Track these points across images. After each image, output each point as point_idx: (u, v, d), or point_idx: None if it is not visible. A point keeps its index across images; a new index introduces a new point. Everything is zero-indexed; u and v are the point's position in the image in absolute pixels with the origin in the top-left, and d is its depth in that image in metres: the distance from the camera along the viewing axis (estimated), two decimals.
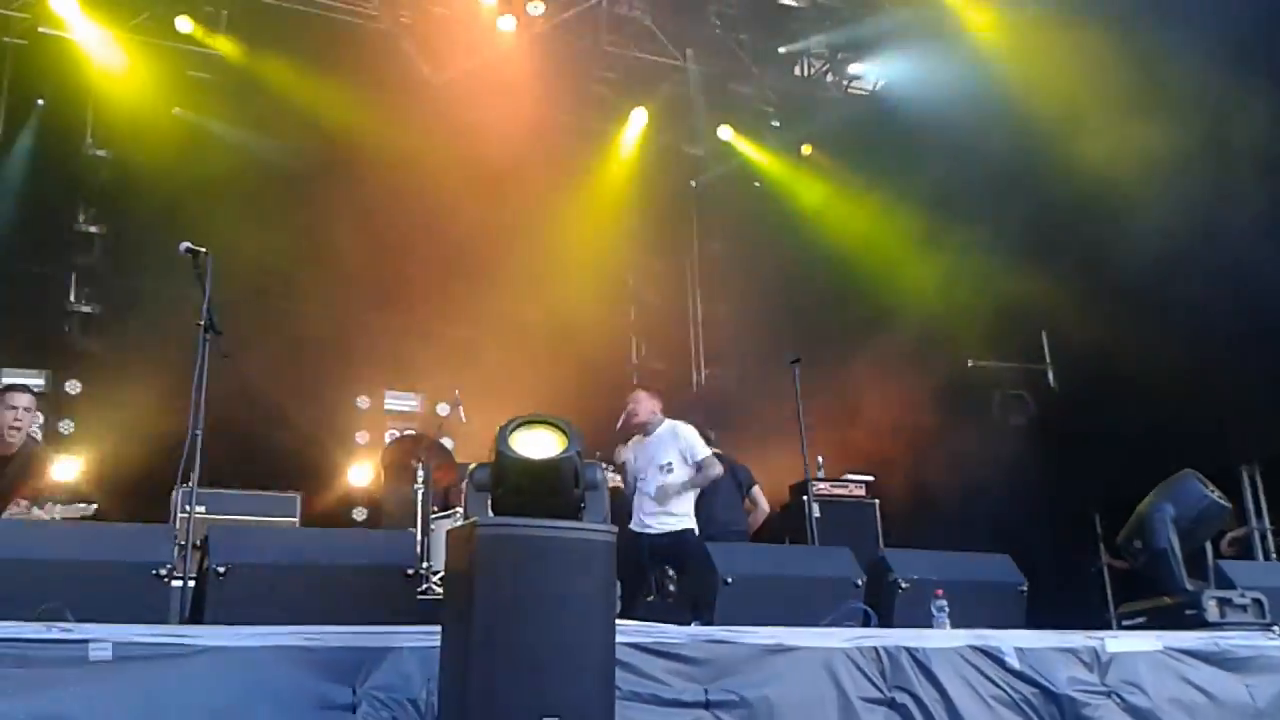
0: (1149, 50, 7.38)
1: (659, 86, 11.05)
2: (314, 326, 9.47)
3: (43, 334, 9.30)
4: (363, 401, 10.29)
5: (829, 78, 11.22)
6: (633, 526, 6.96)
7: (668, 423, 7.04)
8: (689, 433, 6.96)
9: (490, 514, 3.58)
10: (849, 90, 11.19)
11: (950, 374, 8.57)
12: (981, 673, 4.52)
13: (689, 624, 4.88)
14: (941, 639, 4.65)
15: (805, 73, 11.27)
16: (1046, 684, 4.59)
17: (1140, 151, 7.38)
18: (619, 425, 7.10)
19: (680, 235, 12.63)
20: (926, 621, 5.14)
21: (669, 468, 6.88)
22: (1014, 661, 4.62)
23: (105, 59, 9.43)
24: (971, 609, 5.25)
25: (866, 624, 5.05)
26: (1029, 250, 8.40)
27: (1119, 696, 4.66)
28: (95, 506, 5.91)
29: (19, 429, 5.79)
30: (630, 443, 7.23)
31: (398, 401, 10.54)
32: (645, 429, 7.05)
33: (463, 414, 9.69)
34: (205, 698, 3.26)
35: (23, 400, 5.86)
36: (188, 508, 4.90)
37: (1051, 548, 7.63)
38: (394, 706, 3.50)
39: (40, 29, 9.29)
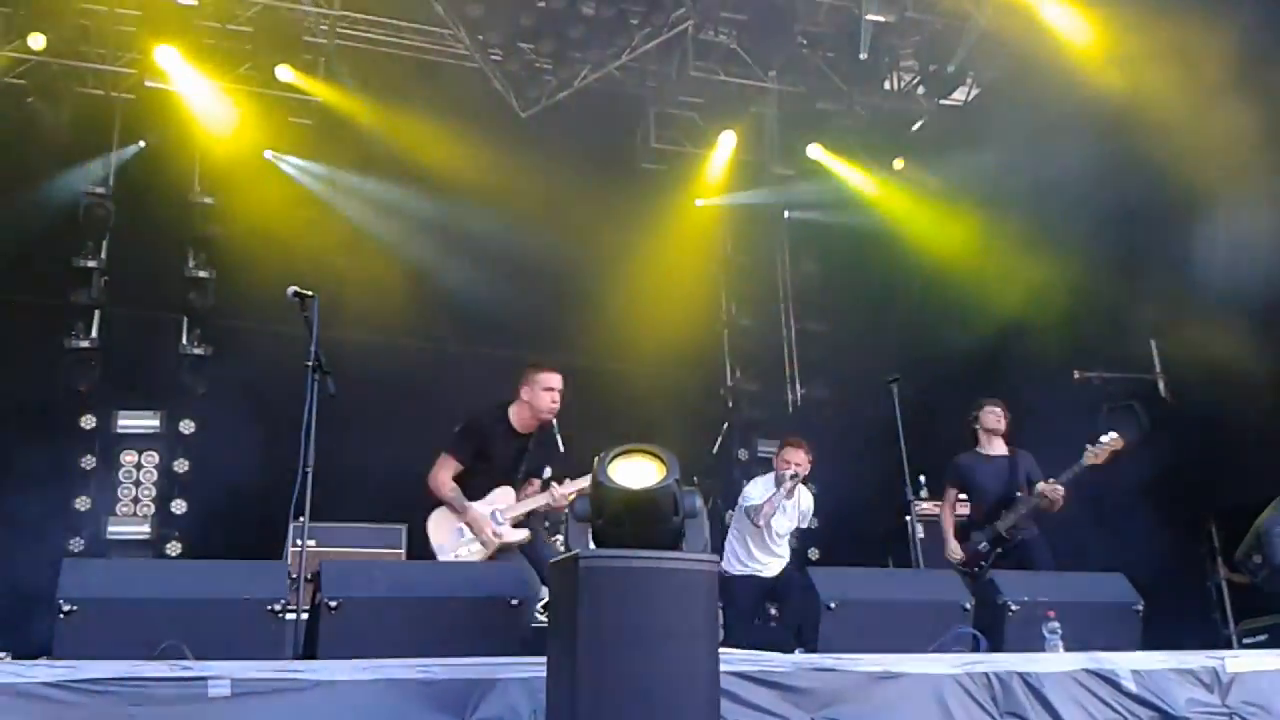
0: (1249, 41, 7.18)
1: (747, 109, 11.06)
2: (415, 359, 9.66)
3: (157, 376, 9.65)
4: None
5: (920, 90, 11.09)
6: (743, 568, 7.33)
7: None
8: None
9: (591, 545, 3.61)
10: (940, 103, 11.05)
11: (1056, 386, 8.36)
12: (1097, 697, 4.41)
13: (793, 651, 4.85)
14: (1054, 663, 4.55)
15: (895, 86, 11.16)
16: (1165, 707, 4.46)
17: (1242, 147, 7.16)
18: (780, 474, 7.33)
19: (772, 256, 12.59)
20: (1038, 645, 5.03)
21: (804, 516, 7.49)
22: (1130, 684, 4.49)
23: (209, 109, 9.77)
24: (1085, 630, 5.13)
25: (976, 649, 4.95)
26: (1131, 257, 8.19)
27: (1241, 718, 4.50)
28: None
29: (556, 409, 6.15)
30: (763, 483, 7.58)
31: None
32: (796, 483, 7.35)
33: (560, 443, 9.78)
34: None
35: (558, 381, 6.19)
36: (299, 542, 5.04)
37: (1167, 564, 7.38)
38: None
39: (147, 83, 9.67)
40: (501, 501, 6.11)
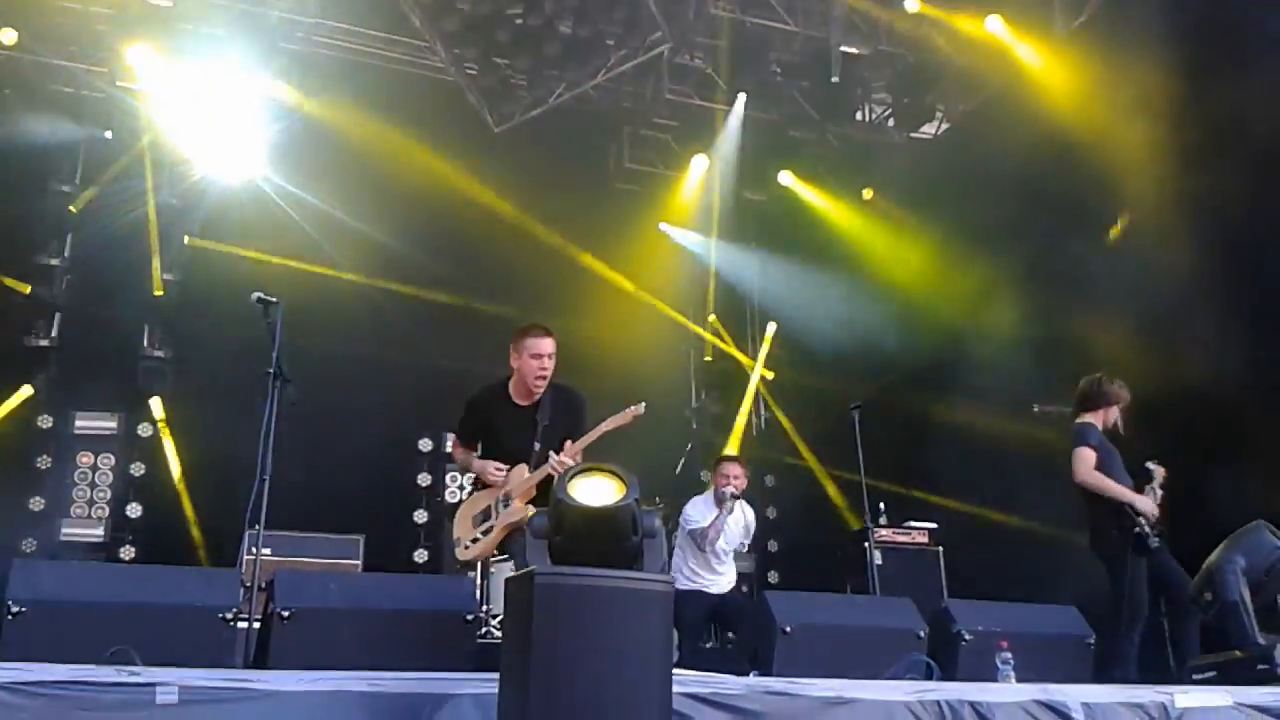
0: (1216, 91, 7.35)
1: (720, 133, 11.14)
2: (378, 370, 9.61)
3: (116, 378, 9.54)
4: (425, 444, 10.39)
5: (890, 123, 11.23)
6: (689, 584, 7.28)
7: None
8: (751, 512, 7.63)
9: (548, 561, 3.61)
10: (910, 135, 11.18)
11: (1015, 419, 8.45)
12: None
13: (747, 674, 4.85)
14: (1006, 693, 4.56)
15: (867, 118, 11.28)
16: None
17: (1209, 191, 7.32)
18: (721, 492, 7.26)
19: (742, 278, 12.66)
20: (990, 675, 5.06)
21: (746, 531, 7.51)
22: (1080, 717, 4.50)
23: (180, 110, 9.70)
24: (1037, 662, 5.17)
25: (929, 677, 4.98)
26: (1095, 293, 8.29)
27: None
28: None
29: (545, 377, 5.53)
30: (703, 503, 7.53)
31: None
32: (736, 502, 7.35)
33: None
34: None
35: (548, 346, 5.58)
36: (254, 550, 5.00)
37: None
38: None
39: (119, 82, 9.61)
40: (513, 482, 5.47)
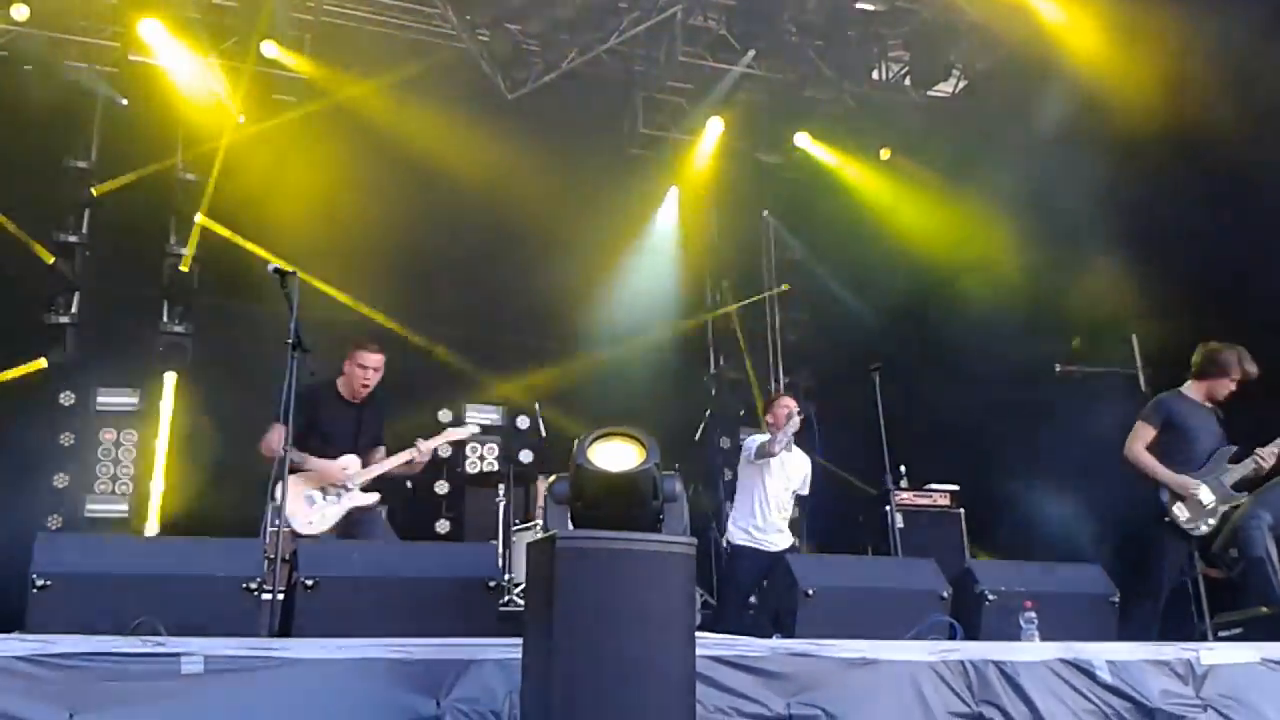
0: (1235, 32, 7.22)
1: (735, 95, 11.03)
2: (396, 341, 9.60)
3: (136, 354, 9.57)
4: (444, 415, 10.40)
5: (907, 81, 11.09)
6: (747, 539, 7.12)
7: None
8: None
9: (570, 526, 3.61)
10: (928, 94, 11.05)
11: (1037, 379, 8.39)
12: (1072, 686, 4.42)
13: (770, 637, 4.85)
14: (1030, 652, 4.56)
15: (883, 77, 11.15)
16: (1140, 698, 4.47)
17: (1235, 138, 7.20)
18: (786, 430, 6.88)
19: (758, 243, 12.60)
20: (1014, 634, 5.05)
21: (805, 481, 7.31)
22: (1105, 675, 4.50)
23: (194, 84, 9.68)
24: (1061, 621, 5.15)
25: (952, 637, 4.97)
26: (1116, 251, 8.21)
27: (1215, 710, 4.52)
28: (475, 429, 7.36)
29: (368, 387, 6.27)
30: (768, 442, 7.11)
31: (479, 415, 10.61)
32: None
33: (543, 427, 9.79)
34: (294, 710, 3.33)
35: (373, 360, 6.27)
36: (276, 522, 5.02)
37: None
38: (477, 718, 3.54)
39: (131, 56, 9.58)
40: (350, 467, 6.19)
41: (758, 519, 7.15)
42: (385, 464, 6.32)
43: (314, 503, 6.07)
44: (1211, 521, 6.18)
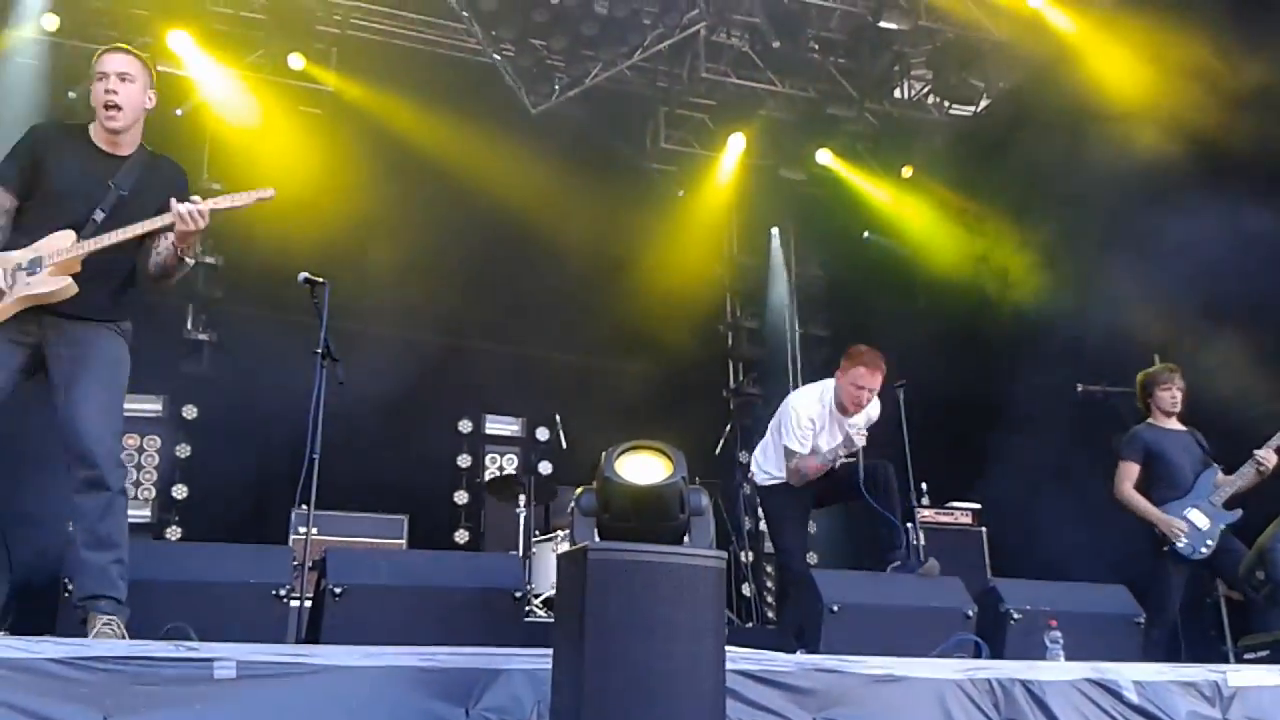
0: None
1: (757, 112, 11.07)
2: (417, 352, 9.64)
3: (160, 361, 9.61)
4: (464, 425, 10.45)
5: (930, 99, 11.11)
6: (772, 479, 6.58)
7: None
8: None
9: (596, 539, 3.62)
10: (950, 111, 11.06)
11: (1058, 399, 8.36)
12: (1098, 706, 4.41)
13: (794, 652, 4.84)
14: (1057, 671, 4.55)
15: (906, 95, 11.17)
16: (1166, 718, 4.45)
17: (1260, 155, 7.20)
18: (858, 440, 6.32)
19: (778, 258, 12.63)
20: (1039, 654, 5.03)
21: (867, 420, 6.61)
22: (1132, 695, 4.48)
23: (220, 95, 9.76)
24: (1086, 641, 5.14)
25: (978, 655, 4.95)
26: (1139, 269, 8.19)
27: None
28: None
29: (115, 101, 4.26)
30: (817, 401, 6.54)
31: (499, 425, 10.66)
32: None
33: (563, 438, 9.83)
34: (326, 716, 3.34)
35: (115, 63, 4.29)
36: (301, 529, 5.04)
37: None
38: None
39: (159, 67, 9.63)
40: (52, 248, 4.09)
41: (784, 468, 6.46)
42: (118, 234, 4.14)
43: None
44: (1210, 543, 6.35)
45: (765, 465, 6.73)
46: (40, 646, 3.24)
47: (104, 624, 3.87)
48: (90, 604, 3.92)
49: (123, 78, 4.28)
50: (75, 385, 4.11)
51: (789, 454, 6.43)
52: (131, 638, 3.77)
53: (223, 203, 4.28)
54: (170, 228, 4.19)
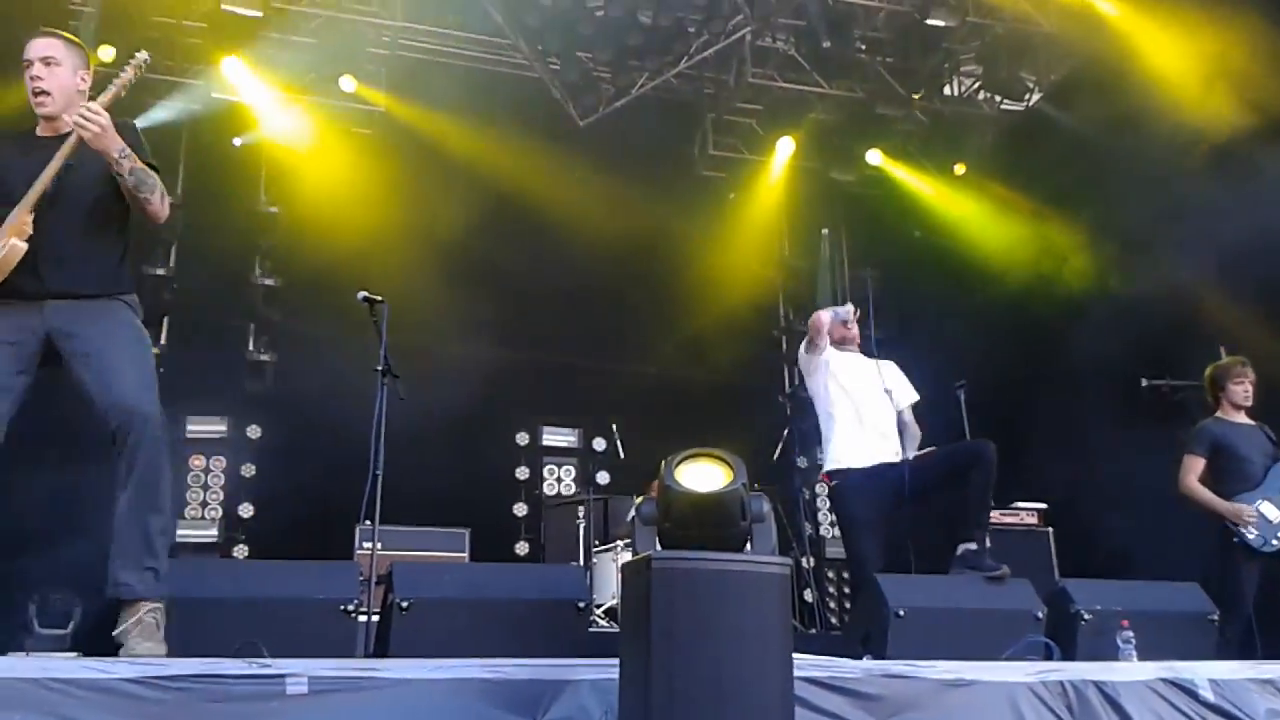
0: None
1: (805, 115, 11.02)
2: (474, 365, 9.71)
3: (224, 383, 9.80)
4: (522, 438, 10.50)
5: (980, 95, 10.99)
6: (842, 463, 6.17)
7: None
8: None
9: (657, 547, 3.62)
10: (1002, 107, 10.94)
11: (1125, 395, 8.23)
12: (1174, 706, 4.33)
13: (860, 658, 4.80)
14: (1130, 672, 4.47)
15: (956, 92, 11.07)
16: (1244, 717, 4.36)
17: None
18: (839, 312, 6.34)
19: (829, 261, 12.53)
20: (1111, 654, 4.94)
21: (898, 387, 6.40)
22: (1208, 694, 4.40)
23: (274, 120, 9.93)
24: (1159, 640, 5.04)
25: (1049, 657, 4.88)
26: (1202, 261, 8.04)
27: None
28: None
29: (42, 87, 4.16)
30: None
31: (555, 436, 10.72)
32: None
33: (620, 448, 9.84)
34: None
35: (38, 49, 4.17)
36: (366, 545, 5.10)
37: None
38: None
39: (214, 94, 9.83)
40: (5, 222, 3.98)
41: (863, 441, 6.16)
42: (42, 178, 3.98)
43: None
44: (1272, 546, 6.30)
45: (829, 450, 6.30)
46: (115, 667, 3.31)
47: (147, 612, 3.86)
48: (123, 590, 3.87)
49: (47, 62, 4.17)
50: (104, 359, 4.06)
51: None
52: (202, 656, 3.82)
53: (107, 93, 4.10)
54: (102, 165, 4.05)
